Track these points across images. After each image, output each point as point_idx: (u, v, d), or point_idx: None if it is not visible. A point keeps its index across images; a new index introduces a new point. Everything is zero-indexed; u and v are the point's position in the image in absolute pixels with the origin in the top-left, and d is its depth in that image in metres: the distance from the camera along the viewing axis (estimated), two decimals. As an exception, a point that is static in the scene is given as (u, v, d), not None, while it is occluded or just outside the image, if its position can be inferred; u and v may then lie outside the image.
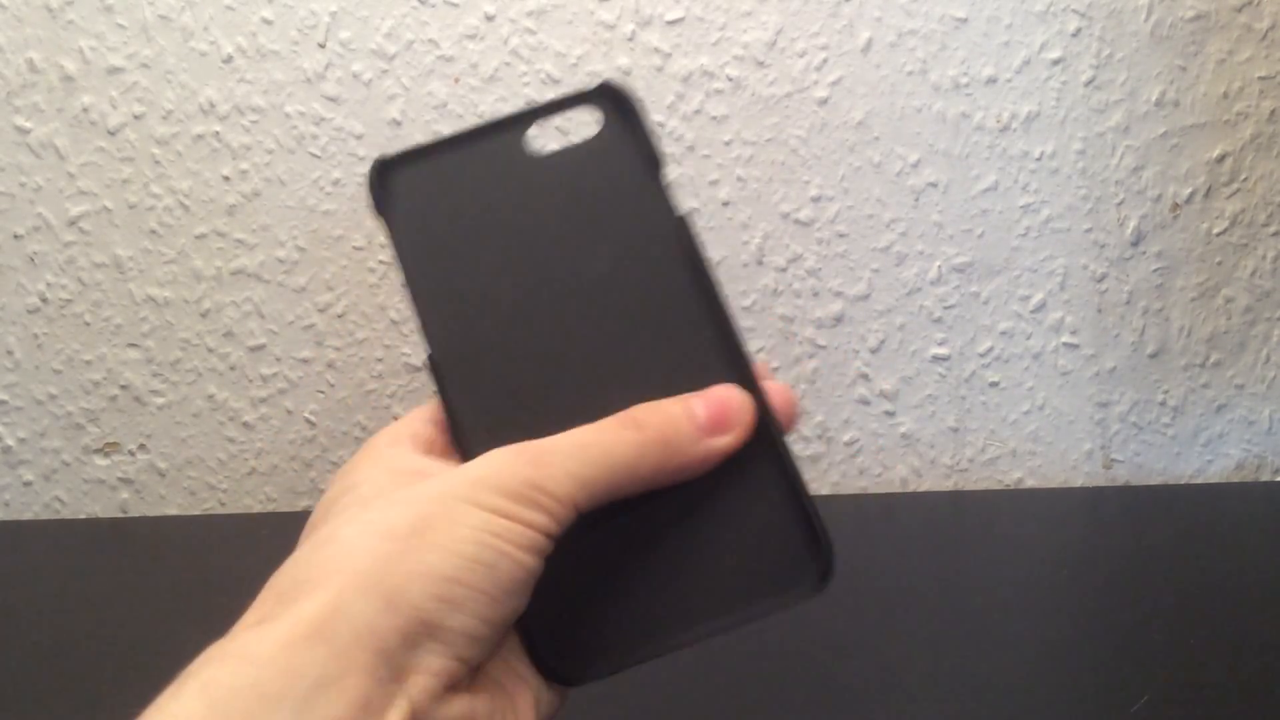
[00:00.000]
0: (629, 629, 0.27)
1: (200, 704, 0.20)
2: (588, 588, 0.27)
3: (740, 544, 0.28)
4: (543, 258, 0.30)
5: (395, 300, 0.62)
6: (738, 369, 0.28)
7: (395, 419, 0.29)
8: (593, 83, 0.31)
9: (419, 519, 0.23)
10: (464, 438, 0.28)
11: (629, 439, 0.26)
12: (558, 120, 0.31)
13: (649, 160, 0.30)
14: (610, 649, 0.27)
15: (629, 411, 0.27)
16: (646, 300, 0.29)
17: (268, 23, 0.59)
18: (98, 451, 0.63)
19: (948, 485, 0.68)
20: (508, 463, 0.25)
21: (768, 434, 0.28)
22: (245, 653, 0.21)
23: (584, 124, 0.31)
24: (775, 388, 0.29)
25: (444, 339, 0.29)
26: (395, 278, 0.30)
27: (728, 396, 0.28)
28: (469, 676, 0.24)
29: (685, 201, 0.61)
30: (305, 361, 0.63)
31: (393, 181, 0.31)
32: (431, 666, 0.23)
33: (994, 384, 0.67)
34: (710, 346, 0.29)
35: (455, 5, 0.60)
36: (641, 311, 0.29)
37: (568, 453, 0.25)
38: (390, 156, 0.31)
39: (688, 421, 0.27)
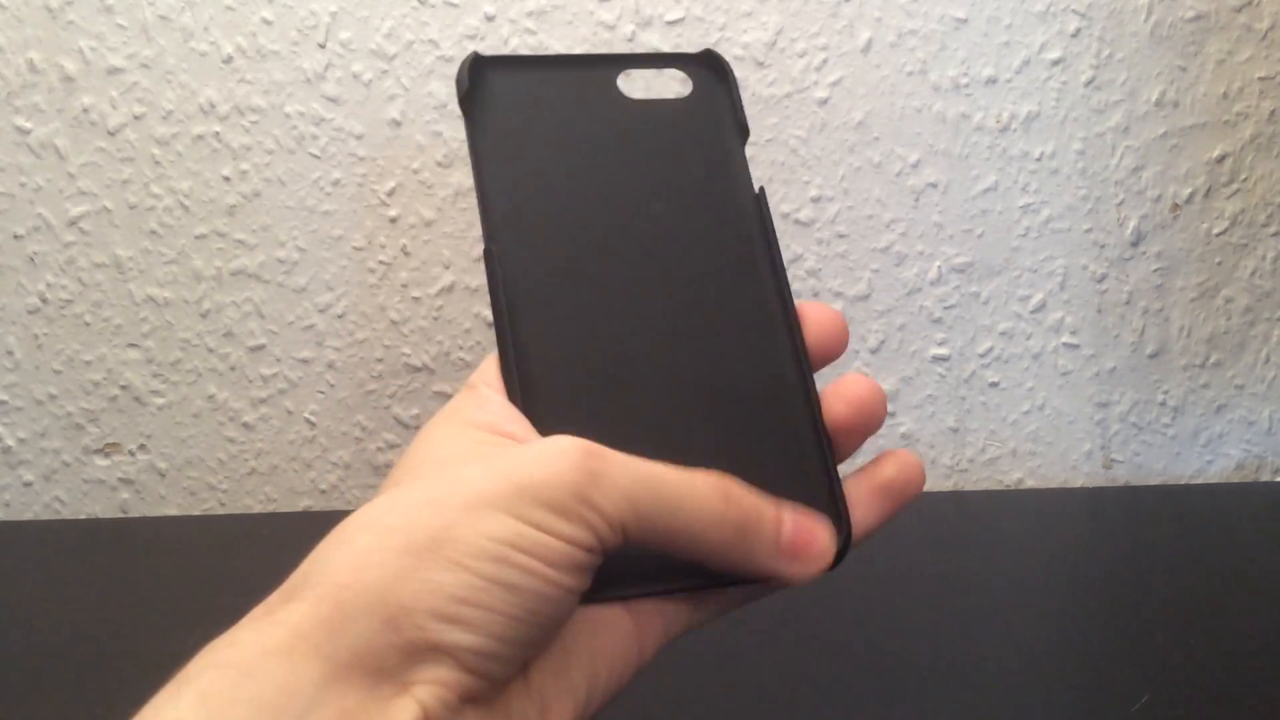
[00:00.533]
0: (641, 561, 0.26)
1: (198, 713, 0.20)
2: None
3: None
4: (616, 194, 0.30)
5: (395, 300, 0.62)
6: (792, 334, 0.29)
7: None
8: (697, 50, 0.32)
9: (441, 529, 0.22)
10: (514, 370, 0.27)
11: (711, 508, 0.25)
12: (649, 75, 0.32)
13: (737, 127, 0.31)
14: (616, 574, 0.26)
15: (722, 480, 0.25)
16: (716, 263, 0.30)
17: (268, 23, 0.59)
18: (98, 452, 0.63)
19: (948, 485, 0.68)
20: (564, 469, 0.23)
21: (810, 405, 0.29)
22: (244, 662, 0.21)
23: (673, 86, 0.32)
24: (819, 316, 0.29)
25: (506, 243, 0.29)
26: (468, 173, 0.30)
27: (816, 533, 0.27)
28: (496, 688, 0.23)
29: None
30: (305, 361, 0.63)
31: (483, 80, 0.30)
32: (440, 678, 0.22)
33: (994, 384, 0.67)
34: (772, 321, 0.29)
35: (455, 5, 0.60)
36: (710, 274, 0.30)
37: (639, 479, 0.24)
38: (486, 55, 0.31)
39: (772, 531, 0.26)
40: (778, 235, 0.31)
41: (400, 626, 0.22)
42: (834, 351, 0.30)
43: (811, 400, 0.29)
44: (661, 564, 0.27)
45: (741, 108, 0.32)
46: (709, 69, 0.32)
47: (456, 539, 0.22)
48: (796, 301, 0.30)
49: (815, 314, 0.30)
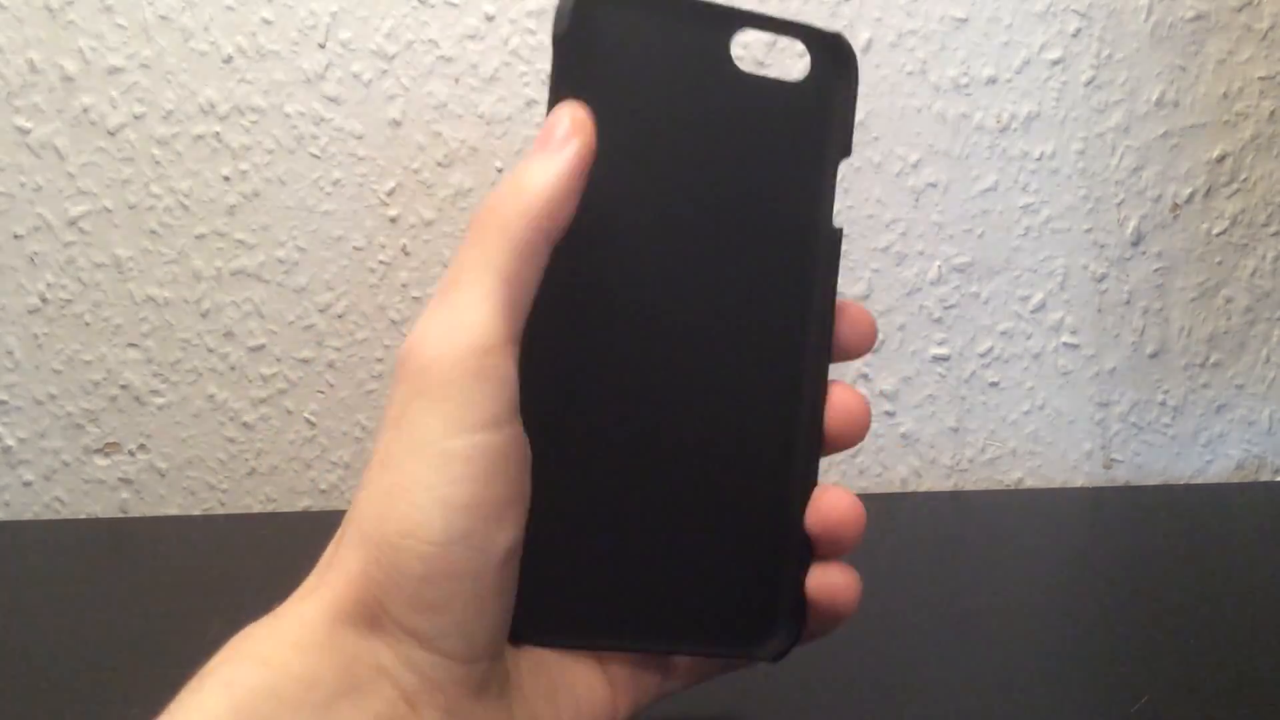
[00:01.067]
0: (594, 612, 0.27)
1: (223, 702, 0.21)
2: (578, 556, 0.27)
3: (730, 583, 0.27)
4: (688, 187, 0.27)
5: (395, 300, 0.62)
6: (812, 415, 0.27)
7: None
8: (828, 28, 0.28)
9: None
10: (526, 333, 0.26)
11: None
12: (765, 40, 0.29)
13: (840, 144, 0.28)
14: (567, 623, 0.26)
15: None
16: (764, 303, 0.27)
17: (268, 23, 0.59)
18: (98, 451, 0.63)
19: (948, 485, 0.68)
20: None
21: (802, 498, 0.27)
22: (266, 656, 0.21)
23: (790, 61, 0.29)
24: (841, 399, 0.28)
25: None
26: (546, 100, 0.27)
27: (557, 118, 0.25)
28: (501, 678, 0.24)
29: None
30: (305, 361, 0.63)
31: (587, 19, 0.27)
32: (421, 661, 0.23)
33: (994, 384, 0.67)
34: (796, 386, 0.27)
35: (455, 5, 0.60)
36: (754, 313, 0.27)
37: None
38: None
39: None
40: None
41: (383, 625, 0.22)
42: (849, 442, 0.28)
43: (806, 493, 0.28)
44: (635, 622, 0.27)
45: (853, 119, 0.28)
46: (835, 56, 0.28)
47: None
48: (840, 299, 0.28)
49: (840, 400, 0.28)
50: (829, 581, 0.27)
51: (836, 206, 0.28)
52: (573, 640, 0.27)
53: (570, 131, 0.25)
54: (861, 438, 0.28)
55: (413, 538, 0.22)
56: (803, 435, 0.28)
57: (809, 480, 0.28)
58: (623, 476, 0.27)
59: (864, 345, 0.28)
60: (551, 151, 0.24)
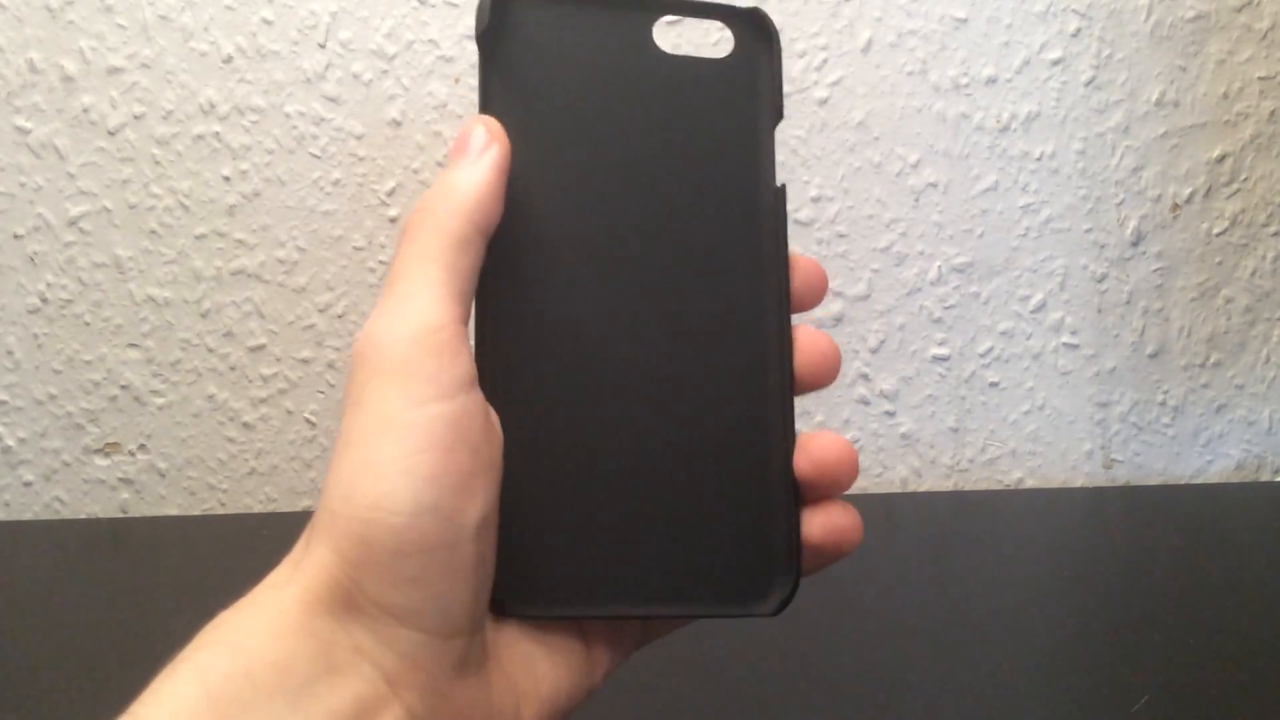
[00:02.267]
0: (582, 580, 0.26)
1: (196, 688, 0.21)
2: (558, 523, 0.26)
3: (718, 539, 0.27)
4: (628, 167, 0.28)
5: (395, 300, 0.62)
6: (781, 360, 0.28)
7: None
8: (745, 5, 0.29)
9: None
10: (486, 357, 0.26)
11: None
12: (687, 26, 0.29)
13: (771, 108, 0.29)
14: (552, 592, 0.26)
15: None
16: (719, 264, 0.28)
17: (268, 23, 0.59)
18: (98, 451, 0.63)
19: (948, 485, 0.68)
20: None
21: (784, 446, 0.27)
22: (239, 642, 0.22)
23: (714, 43, 0.29)
24: (811, 344, 0.28)
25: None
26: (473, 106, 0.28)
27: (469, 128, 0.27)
28: (479, 653, 0.24)
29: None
30: (305, 361, 0.63)
31: (508, 14, 0.28)
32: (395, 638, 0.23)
33: (994, 384, 0.67)
34: (763, 340, 0.28)
35: (455, 5, 0.60)
36: (710, 276, 0.28)
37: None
38: None
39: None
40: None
41: (359, 608, 0.22)
42: (822, 382, 0.29)
43: (787, 440, 0.28)
44: (623, 588, 0.26)
45: (781, 84, 0.29)
46: (755, 30, 0.29)
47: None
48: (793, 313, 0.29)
49: (808, 342, 0.28)
50: (832, 522, 0.27)
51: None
52: (559, 610, 0.26)
53: (487, 140, 0.26)
54: (834, 375, 0.29)
55: (381, 510, 0.22)
56: (775, 383, 0.28)
57: (788, 429, 0.28)
58: (599, 442, 0.27)
59: (816, 296, 0.29)
60: (472, 158, 0.26)
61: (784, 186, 0.29)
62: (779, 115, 0.29)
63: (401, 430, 0.23)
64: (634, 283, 0.27)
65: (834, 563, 0.28)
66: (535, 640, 0.26)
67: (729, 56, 0.29)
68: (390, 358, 0.23)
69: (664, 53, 0.28)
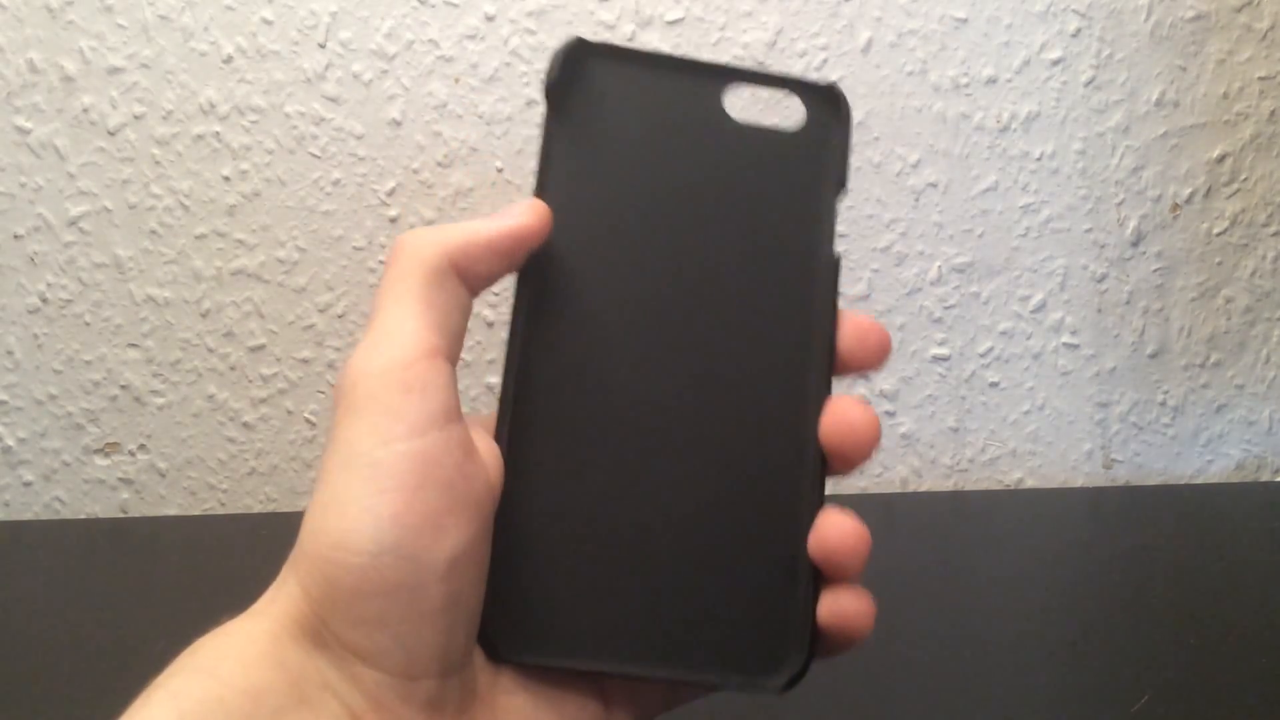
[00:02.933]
0: (583, 633, 0.26)
1: (170, 713, 0.21)
2: (567, 572, 0.26)
3: (732, 608, 0.26)
4: (687, 230, 0.27)
5: (395, 300, 0.62)
6: (814, 417, 0.27)
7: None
8: (821, 79, 0.29)
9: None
10: (508, 411, 0.26)
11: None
12: (761, 94, 0.29)
13: (838, 180, 0.29)
14: (552, 642, 0.25)
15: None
16: (765, 337, 0.27)
17: (268, 23, 0.59)
18: (98, 451, 0.63)
19: (948, 485, 0.68)
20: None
21: (810, 519, 0.27)
22: (213, 669, 0.22)
23: (784, 113, 0.29)
24: (846, 414, 0.27)
25: (545, 265, 0.27)
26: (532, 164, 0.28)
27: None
28: (461, 694, 0.24)
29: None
30: (305, 361, 0.63)
31: (580, 70, 0.28)
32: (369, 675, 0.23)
33: (994, 384, 0.67)
34: (800, 417, 0.27)
35: (455, 5, 0.60)
36: (755, 348, 0.27)
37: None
38: (590, 42, 0.28)
39: None
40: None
41: (327, 643, 0.22)
42: (853, 458, 0.27)
43: (814, 514, 0.27)
44: (629, 645, 0.26)
45: (848, 158, 0.29)
46: (829, 106, 0.29)
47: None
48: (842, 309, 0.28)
49: (839, 413, 0.27)
50: (839, 607, 0.26)
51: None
52: (555, 660, 0.25)
53: (525, 210, 0.26)
54: (867, 452, 0.27)
55: (342, 549, 0.22)
56: (809, 457, 0.27)
57: (815, 503, 0.27)
58: (620, 495, 0.26)
59: (875, 358, 0.28)
60: (495, 217, 0.26)
61: (840, 258, 0.28)
62: (843, 187, 0.29)
63: (366, 469, 0.22)
64: (673, 343, 0.27)
65: (845, 650, 0.27)
66: (539, 694, 0.25)
67: (799, 130, 0.29)
68: (361, 394, 0.23)
69: (734, 121, 0.28)
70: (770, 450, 0.27)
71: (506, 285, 0.27)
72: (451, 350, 0.25)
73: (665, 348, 0.27)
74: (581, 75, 0.28)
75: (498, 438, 0.26)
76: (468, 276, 0.25)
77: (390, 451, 0.22)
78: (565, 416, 0.26)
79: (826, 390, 0.27)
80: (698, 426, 0.27)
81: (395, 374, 0.23)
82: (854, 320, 0.28)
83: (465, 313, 0.25)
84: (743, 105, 0.29)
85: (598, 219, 0.27)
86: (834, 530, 0.26)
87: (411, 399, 0.23)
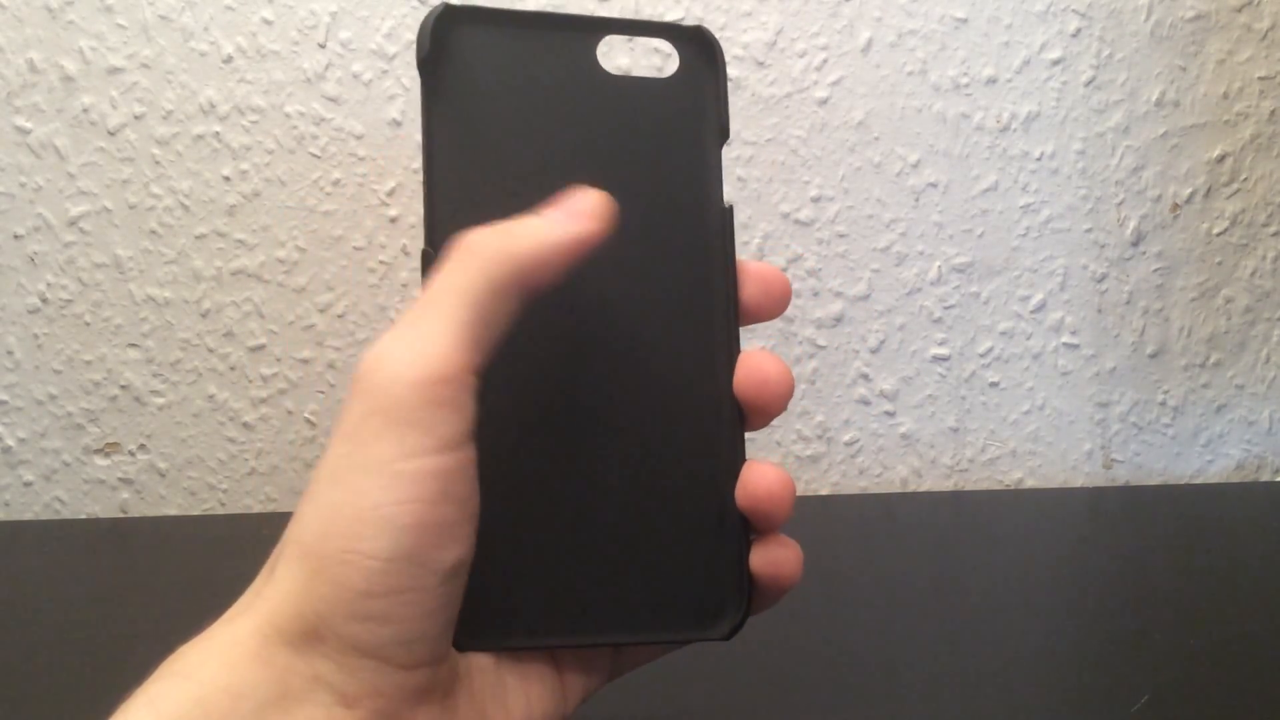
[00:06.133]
0: (538, 612, 0.26)
1: (149, 716, 0.21)
2: (511, 559, 0.26)
3: (671, 569, 0.27)
4: (572, 173, 0.27)
5: (395, 300, 0.62)
6: (726, 372, 0.28)
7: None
8: (688, 22, 0.29)
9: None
10: None
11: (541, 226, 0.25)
12: (632, 44, 0.29)
13: (717, 128, 0.28)
14: (511, 626, 0.26)
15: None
16: (667, 286, 0.28)
17: (268, 23, 0.59)
18: (98, 451, 0.63)
19: (948, 485, 0.68)
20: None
21: (732, 473, 0.27)
22: (191, 672, 0.22)
23: (658, 61, 0.29)
24: (753, 362, 0.27)
25: (448, 229, 0.26)
26: (417, 137, 0.27)
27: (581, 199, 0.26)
28: (446, 681, 0.24)
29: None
30: (305, 361, 0.63)
31: (450, 39, 0.27)
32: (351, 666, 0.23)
33: (994, 384, 0.67)
34: (712, 361, 0.28)
35: (455, 5, 0.60)
36: (659, 298, 0.28)
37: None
38: (456, 5, 0.27)
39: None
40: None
41: (323, 638, 0.22)
42: (770, 407, 0.28)
43: (735, 468, 0.27)
44: (581, 618, 0.27)
45: (726, 103, 0.29)
46: (700, 48, 0.29)
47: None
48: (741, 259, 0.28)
49: (752, 363, 0.27)
50: (770, 557, 0.27)
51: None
52: (518, 642, 0.26)
53: (594, 213, 0.25)
54: (782, 404, 0.27)
55: (358, 554, 0.22)
56: (725, 410, 0.27)
57: (737, 456, 0.28)
58: (553, 475, 0.27)
59: (776, 303, 0.28)
60: (563, 218, 0.25)
61: (732, 207, 0.28)
62: (725, 135, 0.29)
63: (390, 478, 0.22)
64: (575, 312, 0.27)
65: (779, 598, 0.28)
66: (507, 670, 0.26)
67: (673, 76, 0.29)
68: (393, 399, 0.22)
69: (608, 73, 0.28)
70: (688, 410, 0.27)
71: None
72: (486, 365, 0.24)
73: (568, 318, 0.27)
74: (453, 43, 0.27)
75: None
76: (531, 288, 0.24)
77: (416, 465, 0.22)
78: (487, 404, 0.26)
79: (735, 345, 0.28)
80: (612, 396, 0.27)
81: (433, 388, 0.22)
82: (755, 270, 0.28)
83: (512, 323, 0.25)
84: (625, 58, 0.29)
85: (485, 189, 0.27)
86: (760, 481, 0.27)
87: (443, 415, 0.23)
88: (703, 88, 0.29)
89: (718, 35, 0.61)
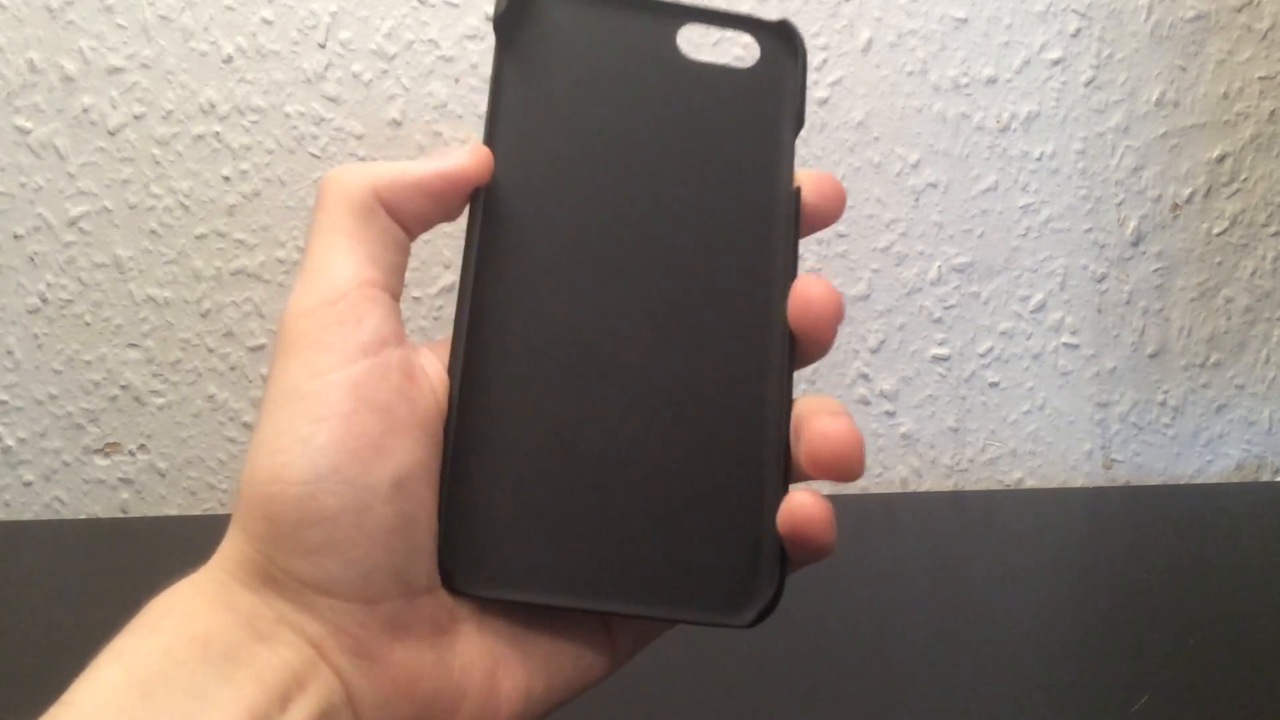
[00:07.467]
0: (546, 566, 0.25)
1: (117, 671, 0.21)
2: (529, 505, 0.25)
3: (699, 541, 0.25)
4: (643, 166, 0.27)
5: (395, 300, 0.62)
6: (782, 366, 0.26)
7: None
8: (772, 15, 0.29)
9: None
10: (461, 343, 0.25)
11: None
12: (714, 35, 0.29)
13: (794, 116, 0.28)
14: (514, 576, 0.25)
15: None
16: (727, 267, 0.27)
17: (268, 23, 0.59)
18: (98, 451, 0.63)
19: (948, 485, 0.68)
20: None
21: (777, 450, 0.26)
22: (157, 623, 0.22)
23: (737, 53, 0.29)
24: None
25: (501, 194, 0.26)
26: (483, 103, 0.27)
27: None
28: (436, 617, 0.24)
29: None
30: (305, 361, 0.63)
31: (528, 6, 0.27)
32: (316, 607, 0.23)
33: (994, 384, 0.67)
34: (766, 342, 0.27)
35: (455, 5, 0.60)
36: (717, 277, 0.27)
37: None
38: None
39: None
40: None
41: (277, 584, 0.22)
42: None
43: (781, 445, 0.26)
44: (577, 578, 0.25)
45: (804, 94, 0.29)
46: (783, 41, 0.29)
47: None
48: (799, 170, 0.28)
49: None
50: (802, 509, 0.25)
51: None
52: (511, 593, 0.25)
53: (463, 153, 0.25)
54: (830, 316, 0.26)
55: (279, 482, 0.22)
56: (775, 388, 0.26)
57: (783, 431, 0.26)
58: (582, 427, 0.26)
59: (834, 205, 0.28)
60: (431, 157, 0.26)
61: (799, 190, 0.28)
62: (801, 122, 0.29)
63: (298, 401, 0.22)
64: (634, 277, 0.27)
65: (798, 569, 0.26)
66: (541, 624, 0.25)
67: (753, 67, 0.28)
68: (293, 334, 0.23)
69: (687, 59, 0.28)
70: (737, 381, 0.27)
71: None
72: (388, 281, 0.25)
73: (620, 281, 0.27)
74: (531, 8, 0.27)
75: (450, 369, 0.25)
76: (398, 214, 0.25)
77: (321, 382, 0.22)
78: (522, 347, 0.26)
79: (794, 270, 0.27)
80: (662, 359, 0.26)
81: (326, 309, 0.23)
82: (808, 176, 0.28)
83: (401, 249, 0.25)
84: (697, 46, 0.29)
85: (551, 155, 0.27)
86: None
87: (343, 330, 0.23)
88: (784, 79, 0.29)
89: (718, 35, 0.61)
